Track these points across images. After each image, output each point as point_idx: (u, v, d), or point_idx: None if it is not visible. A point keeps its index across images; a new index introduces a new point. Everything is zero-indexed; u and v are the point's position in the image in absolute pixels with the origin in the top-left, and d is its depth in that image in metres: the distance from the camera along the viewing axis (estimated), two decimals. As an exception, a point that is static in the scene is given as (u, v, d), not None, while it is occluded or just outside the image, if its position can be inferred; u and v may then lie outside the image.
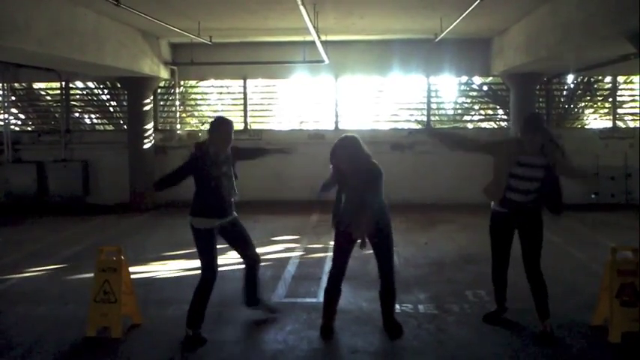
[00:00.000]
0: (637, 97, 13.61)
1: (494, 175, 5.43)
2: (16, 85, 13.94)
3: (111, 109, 14.45)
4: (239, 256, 5.71)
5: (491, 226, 5.53)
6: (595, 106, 14.07)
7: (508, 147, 5.37)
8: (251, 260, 5.67)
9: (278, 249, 9.08)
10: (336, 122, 13.71)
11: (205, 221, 5.22)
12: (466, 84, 14.13)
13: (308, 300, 6.46)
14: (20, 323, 5.83)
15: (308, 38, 10.90)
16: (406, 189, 12.27)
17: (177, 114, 14.03)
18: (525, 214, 5.29)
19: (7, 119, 13.67)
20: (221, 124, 5.30)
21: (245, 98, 13.90)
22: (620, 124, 13.51)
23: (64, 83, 13.70)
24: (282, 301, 6.16)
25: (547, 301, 5.30)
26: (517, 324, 5.58)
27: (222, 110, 14.46)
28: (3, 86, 13.63)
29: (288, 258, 8.38)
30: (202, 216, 5.23)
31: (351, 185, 5.23)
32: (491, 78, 13.80)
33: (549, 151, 5.14)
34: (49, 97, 14.47)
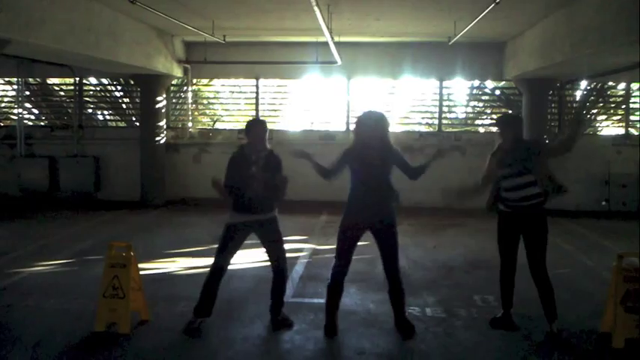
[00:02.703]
0: (651, 105, 13.52)
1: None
2: (30, 80, 14.03)
3: (124, 105, 14.50)
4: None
5: (498, 226, 5.60)
6: (608, 112, 13.98)
7: (494, 155, 5.54)
8: (273, 267, 5.70)
9: (286, 249, 9.04)
10: (348, 123, 13.71)
11: (232, 215, 5.51)
12: (478, 88, 14.08)
13: (315, 300, 6.45)
14: (30, 316, 5.87)
15: (321, 39, 10.91)
16: (416, 192, 12.20)
17: (190, 112, 14.08)
18: (529, 216, 5.34)
19: (20, 114, 13.78)
20: (252, 126, 5.54)
21: (257, 98, 13.94)
22: (632, 131, 13.43)
23: (77, 79, 13.77)
24: (290, 301, 6.16)
25: (554, 303, 5.32)
26: (524, 329, 5.55)
27: (233, 109, 14.54)
28: (17, 81, 13.73)
29: (296, 258, 8.38)
30: (232, 210, 5.52)
31: (370, 164, 5.18)
32: (503, 82, 13.76)
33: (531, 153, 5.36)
34: (62, 93, 14.55)
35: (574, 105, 13.74)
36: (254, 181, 5.39)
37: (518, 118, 5.59)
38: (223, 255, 5.51)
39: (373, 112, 5.43)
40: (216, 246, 5.61)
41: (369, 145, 5.23)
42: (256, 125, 5.60)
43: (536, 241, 5.35)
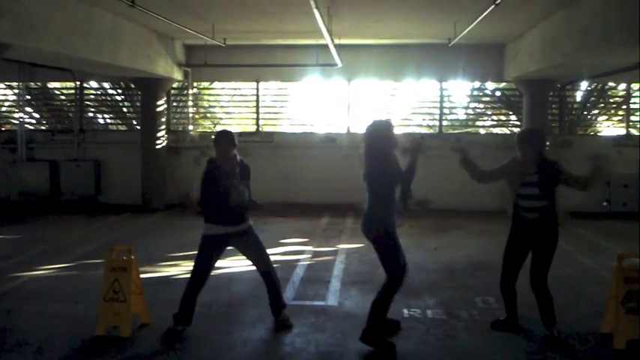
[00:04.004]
0: (651, 105, 13.51)
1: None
2: (31, 84, 14.06)
3: (124, 109, 14.54)
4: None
5: (509, 238, 5.55)
6: (608, 113, 13.98)
7: (513, 167, 5.49)
8: (262, 271, 5.70)
9: (287, 251, 9.08)
10: (348, 126, 13.71)
11: (208, 227, 5.47)
12: (479, 89, 14.07)
13: (316, 303, 6.47)
14: (32, 321, 5.88)
15: (321, 41, 10.92)
16: (417, 194, 12.20)
17: (190, 115, 14.10)
18: (539, 231, 5.30)
19: (21, 118, 13.81)
20: (218, 138, 5.58)
21: (257, 100, 13.95)
22: (633, 131, 13.41)
23: (78, 83, 13.81)
24: (291, 304, 6.16)
25: (553, 311, 5.32)
26: (525, 331, 5.55)
27: (234, 112, 14.54)
28: (18, 85, 13.77)
29: (297, 261, 8.38)
30: (208, 222, 5.48)
31: (383, 179, 5.19)
32: (504, 84, 13.75)
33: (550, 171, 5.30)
34: (63, 97, 14.59)
35: (575, 106, 13.75)
36: (234, 190, 5.39)
37: (542, 133, 5.53)
38: (204, 266, 5.52)
39: (388, 121, 5.45)
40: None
41: (392, 158, 5.26)
42: (222, 137, 5.59)
43: (544, 255, 5.31)
